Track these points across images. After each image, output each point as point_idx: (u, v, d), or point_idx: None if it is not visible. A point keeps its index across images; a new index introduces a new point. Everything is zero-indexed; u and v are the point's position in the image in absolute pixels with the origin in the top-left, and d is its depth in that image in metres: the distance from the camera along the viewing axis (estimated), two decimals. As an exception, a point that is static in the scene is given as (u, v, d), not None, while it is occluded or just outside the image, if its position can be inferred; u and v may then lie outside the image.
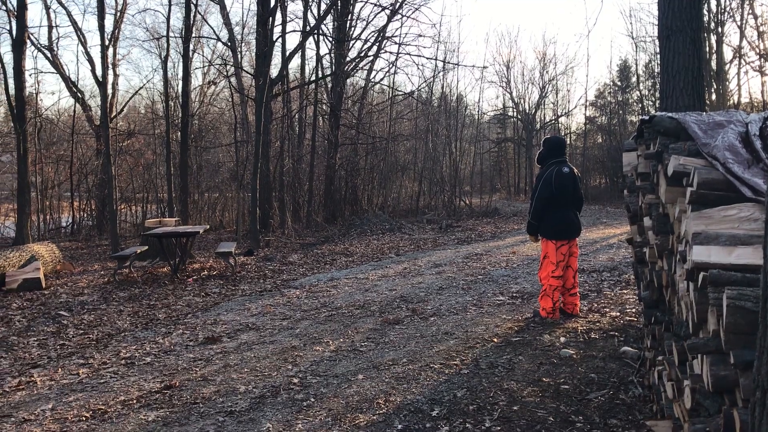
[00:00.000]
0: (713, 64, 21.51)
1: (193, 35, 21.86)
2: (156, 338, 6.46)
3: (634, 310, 6.53)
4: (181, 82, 21.39)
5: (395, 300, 7.74)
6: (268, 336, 6.31)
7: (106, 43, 23.71)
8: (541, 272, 6.47)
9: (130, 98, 27.70)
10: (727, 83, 23.46)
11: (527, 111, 44.78)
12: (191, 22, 22.01)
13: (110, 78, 24.17)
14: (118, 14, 24.79)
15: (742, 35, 22.27)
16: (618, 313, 6.48)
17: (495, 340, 5.68)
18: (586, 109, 41.83)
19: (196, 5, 24.24)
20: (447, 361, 5.09)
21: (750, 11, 22.17)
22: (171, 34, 21.22)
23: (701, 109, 5.28)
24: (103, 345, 6.30)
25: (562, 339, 5.57)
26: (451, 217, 22.49)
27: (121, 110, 26.00)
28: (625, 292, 7.56)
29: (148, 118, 27.92)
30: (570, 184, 6.31)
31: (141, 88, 33.51)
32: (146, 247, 11.33)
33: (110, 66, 24.24)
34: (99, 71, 19.55)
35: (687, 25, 5.21)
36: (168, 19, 21.43)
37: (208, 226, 12.54)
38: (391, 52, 24.74)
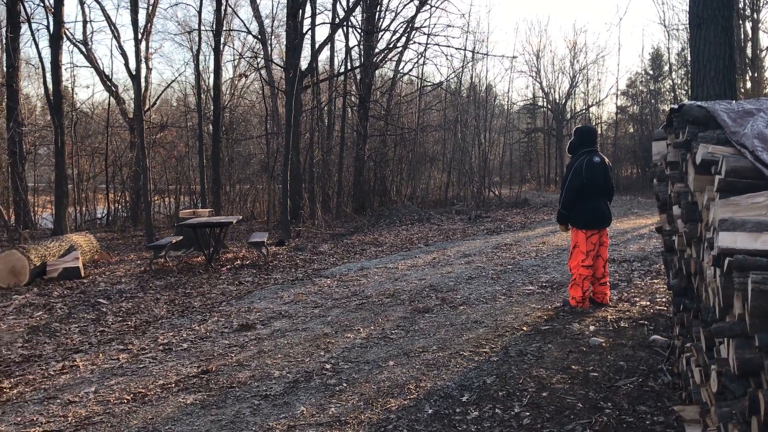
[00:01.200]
0: (748, 51, 21.08)
1: (224, 28, 22.10)
2: (192, 325, 6.64)
3: (664, 300, 6.52)
4: (212, 75, 21.68)
5: (425, 289, 7.82)
6: (300, 323, 6.45)
7: (139, 36, 24.09)
8: (571, 262, 6.49)
9: (163, 91, 28.12)
10: (764, 71, 22.97)
11: (557, 101, 44.35)
12: (222, 15, 22.22)
13: (143, 71, 24.55)
14: (151, 8, 25.17)
15: (779, 21, 21.80)
16: (648, 303, 6.47)
17: (524, 328, 5.73)
18: (617, 99, 41.26)
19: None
20: (476, 349, 5.17)
21: (788, -4, 21.67)
22: (202, 27, 21.46)
23: (732, 97, 5.24)
24: (141, 332, 6.50)
25: (592, 328, 5.60)
26: (480, 207, 22.45)
27: (154, 103, 26.42)
28: (656, 282, 7.54)
29: (180, 110, 28.31)
30: (601, 174, 6.31)
31: (173, 81, 34.03)
32: (181, 237, 11.58)
33: (143, 59, 24.59)
34: (132, 65, 19.90)
35: (718, 13, 5.17)
36: (200, 12, 21.69)
37: (240, 217, 12.74)
38: (419, 43, 24.70)
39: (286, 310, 7.11)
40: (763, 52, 22.77)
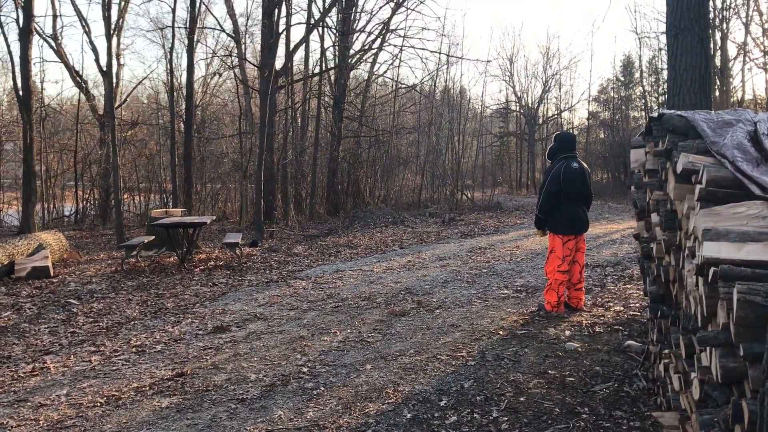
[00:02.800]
0: (717, 60, 21.52)
1: (198, 26, 21.88)
2: (165, 327, 6.54)
3: (637, 305, 6.61)
4: (185, 73, 21.44)
5: (401, 292, 7.82)
6: (276, 326, 6.39)
7: (111, 32, 23.73)
8: (547, 266, 6.55)
9: (134, 88, 27.74)
10: (731, 80, 23.47)
11: (530, 105, 44.78)
12: (196, 12, 22.01)
13: (114, 68, 24.19)
14: (123, 4, 24.82)
15: (747, 32, 22.27)
16: (622, 308, 6.56)
17: (501, 332, 5.76)
18: (589, 105, 41.83)
19: (201, -4, 24.28)
20: (454, 353, 5.18)
21: (755, 8, 22.17)
22: (176, 24, 21.24)
23: (708, 107, 5.34)
24: (113, 333, 6.38)
25: (567, 332, 5.65)
26: (454, 210, 22.53)
27: (125, 100, 26.03)
28: (629, 287, 7.64)
29: (152, 108, 27.98)
30: (578, 180, 6.38)
31: (145, 78, 33.52)
32: (153, 237, 11.41)
33: (114, 56, 24.22)
34: (103, 61, 19.63)
35: (695, 23, 5.27)
36: (174, 9, 21.55)
37: (214, 217, 12.60)
38: (395, 45, 24.73)
39: (262, 312, 7.05)
40: (731, 62, 23.26)
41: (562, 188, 6.34)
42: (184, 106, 21.13)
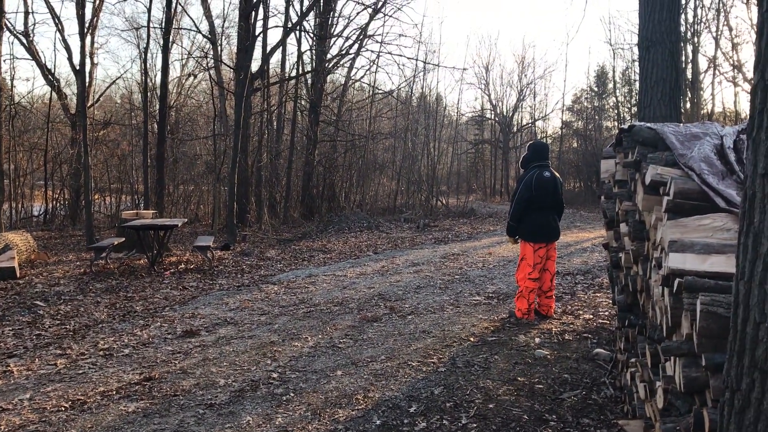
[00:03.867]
0: (689, 73, 21.91)
1: (174, 26, 21.73)
2: (134, 330, 6.46)
3: (606, 314, 6.69)
4: (159, 73, 21.24)
5: (373, 298, 7.82)
6: (246, 331, 6.35)
7: (85, 31, 23.45)
8: (518, 273, 6.59)
9: (107, 88, 27.49)
10: (702, 93, 23.92)
11: (505, 114, 45.16)
12: (172, 12, 21.85)
13: (87, 66, 23.92)
14: (98, 2, 24.51)
15: (717, 46, 22.71)
16: (591, 316, 6.63)
17: (471, 339, 5.79)
18: (563, 114, 42.34)
19: (177, -4, 24.08)
20: (424, 359, 5.19)
21: (725, 23, 22.62)
22: (151, 24, 21.04)
23: (678, 119, 5.44)
24: (80, 336, 6.28)
25: (537, 340, 5.69)
26: (428, 216, 22.60)
27: (98, 99, 25.71)
28: (599, 295, 7.72)
29: (125, 108, 27.70)
30: (550, 188, 6.44)
31: (119, 78, 33.31)
32: (123, 239, 11.26)
33: (88, 54, 23.95)
34: (76, 59, 19.36)
35: (666, 37, 5.36)
36: (149, 9, 21.25)
37: (186, 220, 12.47)
38: (372, 51, 24.81)
39: (232, 316, 7.00)
40: (702, 75, 23.70)
41: (534, 196, 6.40)
42: (157, 107, 20.92)
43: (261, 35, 19.63)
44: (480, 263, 10.51)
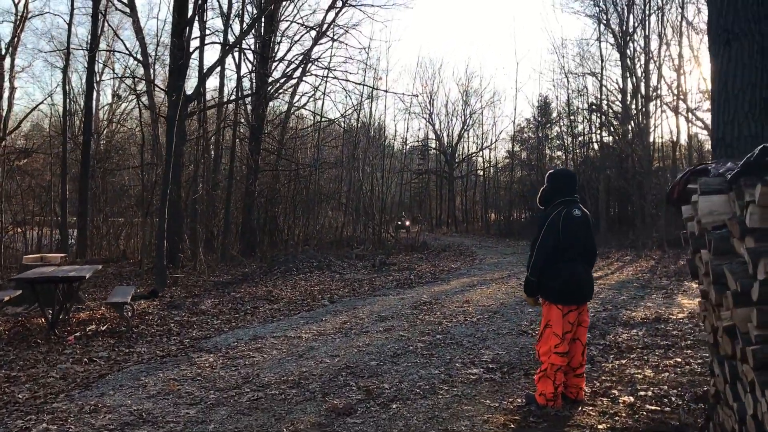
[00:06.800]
0: None
1: (102, 48, 19.74)
2: (3, 442, 4.49)
3: (650, 394, 5.10)
4: (84, 97, 19.13)
5: (340, 372, 6.03)
6: (168, 438, 4.46)
7: (3, 52, 21.20)
8: (540, 345, 4.94)
9: (28, 114, 25.21)
10: None
11: (449, 143, 44.51)
12: (99, 32, 19.85)
13: (6, 91, 21.70)
14: (19, 21, 22.22)
15: None
16: (631, 398, 5.02)
17: (492, 450, 4.08)
18: (512, 144, 41.98)
19: (104, 14, 21.99)
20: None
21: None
22: (75, 44, 18.95)
23: (771, 139, 3.97)
24: None
25: (585, 449, 4.04)
26: (379, 249, 21.04)
27: (18, 125, 23.61)
28: (623, 362, 6.16)
29: (51, 135, 25.50)
30: (582, 231, 4.87)
31: (41, 103, 30.66)
32: (19, 291, 9.11)
33: (7, 78, 21.84)
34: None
35: (754, 27, 3.91)
36: (69, 25, 19.18)
37: (99, 267, 10.37)
38: (316, 76, 23.11)
39: (150, 409, 5.08)
40: None
41: (561, 242, 4.80)
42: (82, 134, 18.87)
43: (197, 54, 17.89)
44: (460, 316, 8.85)
